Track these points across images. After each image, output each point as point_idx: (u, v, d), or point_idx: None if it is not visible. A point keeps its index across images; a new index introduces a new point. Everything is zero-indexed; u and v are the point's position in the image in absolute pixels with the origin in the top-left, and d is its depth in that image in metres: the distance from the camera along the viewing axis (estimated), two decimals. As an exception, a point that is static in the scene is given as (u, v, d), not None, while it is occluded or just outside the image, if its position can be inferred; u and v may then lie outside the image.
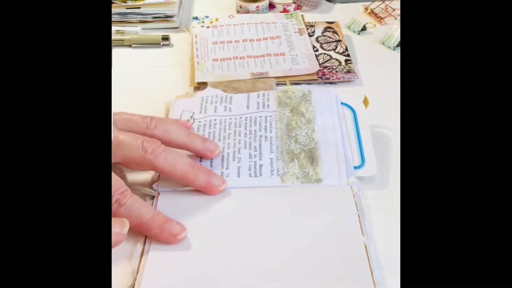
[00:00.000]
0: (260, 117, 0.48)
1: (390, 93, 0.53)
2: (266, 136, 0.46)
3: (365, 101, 0.49)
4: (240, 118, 0.48)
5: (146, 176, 0.45)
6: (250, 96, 0.51)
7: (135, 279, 0.36)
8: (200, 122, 0.48)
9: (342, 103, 0.49)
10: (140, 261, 0.37)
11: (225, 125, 0.47)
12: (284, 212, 0.40)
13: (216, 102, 0.50)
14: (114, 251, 0.38)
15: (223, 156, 0.44)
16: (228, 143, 0.45)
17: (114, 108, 0.49)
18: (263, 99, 0.50)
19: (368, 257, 0.36)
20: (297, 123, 0.46)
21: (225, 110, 0.49)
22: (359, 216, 0.39)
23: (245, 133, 0.46)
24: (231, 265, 0.36)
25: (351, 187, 0.41)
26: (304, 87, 0.50)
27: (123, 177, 0.41)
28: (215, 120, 0.48)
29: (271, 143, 0.45)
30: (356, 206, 0.40)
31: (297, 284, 0.35)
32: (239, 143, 0.45)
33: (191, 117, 0.49)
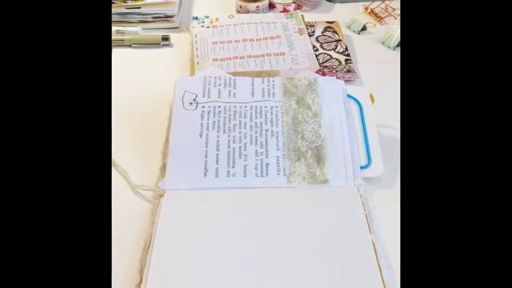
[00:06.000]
0: (265, 107, 0.47)
1: (390, 93, 0.53)
2: (272, 131, 0.45)
3: (371, 98, 0.49)
4: (245, 106, 0.47)
5: (151, 175, 0.45)
6: (255, 81, 0.49)
7: (141, 277, 0.36)
8: (203, 107, 0.47)
9: (348, 95, 0.49)
10: (145, 259, 0.37)
11: (229, 114, 0.47)
12: (291, 213, 0.40)
13: (219, 85, 0.49)
14: (120, 251, 0.38)
15: (228, 151, 0.44)
16: (234, 136, 0.45)
17: (114, 108, 0.49)
18: (268, 86, 0.49)
19: (376, 254, 0.36)
20: (304, 116, 0.46)
21: (230, 95, 0.48)
22: (366, 216, 0.39)
23: (251, 126, 0.46)
24: (237, 264, 0.36)
25: (358, 188, 0.41)
26: (310, 75, 0.50)
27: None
28: (219, 107, 0.47)
29: (277, 139, 0.45)
30: (364, 206, 0.40)
31: (306, 282, 0.35)
32: (245, 138, 0.45)
33: (194, 99, 0.48)
